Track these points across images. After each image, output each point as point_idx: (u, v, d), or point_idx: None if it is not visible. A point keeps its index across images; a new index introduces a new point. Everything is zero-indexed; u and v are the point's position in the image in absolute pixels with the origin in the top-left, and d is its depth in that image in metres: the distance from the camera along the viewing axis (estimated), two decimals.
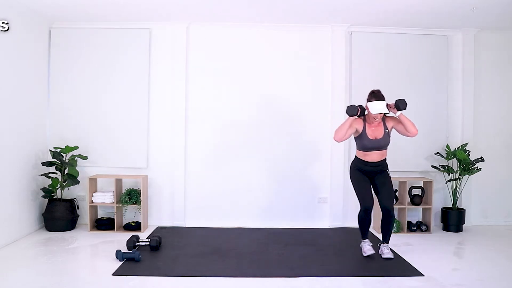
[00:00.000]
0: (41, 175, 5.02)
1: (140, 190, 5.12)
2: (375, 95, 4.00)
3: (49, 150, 5.19)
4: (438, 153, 5.38)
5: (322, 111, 5.44)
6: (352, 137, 4.25)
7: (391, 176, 4.21)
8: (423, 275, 3.67)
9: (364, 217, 4.12)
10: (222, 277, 3.63)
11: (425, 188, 5.27)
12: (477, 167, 5.23)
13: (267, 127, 5.42)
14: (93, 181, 5.15)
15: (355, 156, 4.23)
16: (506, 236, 5.08)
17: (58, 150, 5.02)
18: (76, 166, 5.11)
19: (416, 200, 5.20)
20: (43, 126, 5.24)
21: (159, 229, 5.19)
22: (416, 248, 4.51)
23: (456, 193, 5.27)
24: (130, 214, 5.32)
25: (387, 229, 4.16)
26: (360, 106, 4.07)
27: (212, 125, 5.43)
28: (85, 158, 5.15)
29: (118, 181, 5.21)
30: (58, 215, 4.96)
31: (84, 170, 5.30)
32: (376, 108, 3.93)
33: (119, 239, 4.71)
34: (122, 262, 3.90)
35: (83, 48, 5.33)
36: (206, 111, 5.42)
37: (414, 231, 5.17)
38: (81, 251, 4.37)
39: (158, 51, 5.39)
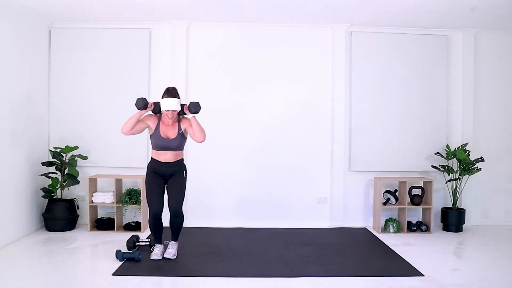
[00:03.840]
0: (41, 175, 5.02)
1: (140, 190, 5.12)
2: (169, 92, 3.87)
3: (49, 150, 5.20)
4: (438, 153, 5.38)
5: (322, 111, 5.44)
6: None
7: (186, 177, 4.10)
8: (423, 275, 3.68)
9: (154, 223, 4.01)
10: (222, 277, 3.63)
11: (425, 188, 5.27)
12: (477, 167, 5.23)
13: (267, 127, 5.41)
14: (93, 181, 5.15)
15: (151, 157, 4.03)
16: (506, 236, 5.08)
17: (58, 150, 5.02)
18: (76, 166, 5.11)
19: (416, 200, 5.20)
20: (43, 126, 5.24)
21: None
22: (416, 248, 4.52)
23: (456, 193, 5.27)
24: (130, 214, 5.33)
25: (174, 228, 4.09)
26: (156, 102, 3.95)
27: (212, 125, 5.40)
28: (85, 158, 5.15)
29: (118, 181, 5.21)
30: (58, 215, 4.96)
31: (84, 170, 5.30)
32: (167, 104, 3.80)
33: (119, 239, 4.71)
34: (122, 262, 3.90)
35: (83, 48, 5.34)
36: (206, 111, 5.39)
37: (414, 231, 5.17)
38: (81, 251, 4.36)
39: (158, 51, 5.39)
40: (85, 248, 4.45)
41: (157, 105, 3.95)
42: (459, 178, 5.25)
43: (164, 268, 3.83)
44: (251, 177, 5.42)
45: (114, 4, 4.68)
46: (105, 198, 5.10)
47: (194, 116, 3.93)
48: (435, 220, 5.41)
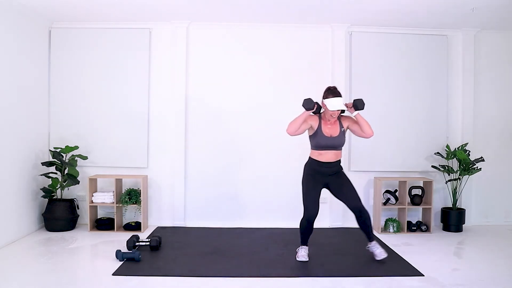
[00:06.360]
0: (41, 175, 5.02)
1: (140, 190, 5.12)
2: (332, 92, 3.86)
3: (49, 150, 5.20)
4: (438, 153, 5.38)
5: None
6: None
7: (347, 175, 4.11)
8: (423, 275, 3.68)
9: (307, 226, 4.02)
10: (222, 277, 3.63)
11: (425, 188, 5.27)
12: (477, 167, 5.23)
13: (267, 127, 5.41)
14: (93, 181, 5.15)
15: (309, 157, 4.06)
16: (506, 236, 5.08)
17: (58, 150, 5.02)
18: (76, 166, 5.11)
19: (416, 200, 5.20)
20: (43, 126, 5.24)
21: (159, 229, 5.19)
22: (416, 248, 4.52)
23: (456, 193, 5.27)
24: (130, 214, 5.33)
25: (365, 227, 4.03)
26: (317, 103, 3.94)
27: (212, 125, 5.43)
28: (85, 158, 5.15)
29: (118, 181, 5.21)
30: (58, 215, 4.96)
31: (84, 170, 5.31)
32: (334, 104, 3.79)
33: (119, 239, 4.71)
34: (122, 262, 3.90)
35: (83, 48, 5.34)
36: (206, 111, 5.43)
37: (414, 231, 5.17)
38: (81, 251, 4.36)
39: (158, 51, 5.39)
40: (85, 248, 4.45)
41: (318, 106, 3.95)
42: (459, 178, 5.25)
43: (164, 268, 3.83)
44: (252, 177, 5.42)
45: (114, 4, 4.68)
46: (105, 198, 5.09)
47: (358, 113, 3.92)
48: (435, 220, 5.41)
